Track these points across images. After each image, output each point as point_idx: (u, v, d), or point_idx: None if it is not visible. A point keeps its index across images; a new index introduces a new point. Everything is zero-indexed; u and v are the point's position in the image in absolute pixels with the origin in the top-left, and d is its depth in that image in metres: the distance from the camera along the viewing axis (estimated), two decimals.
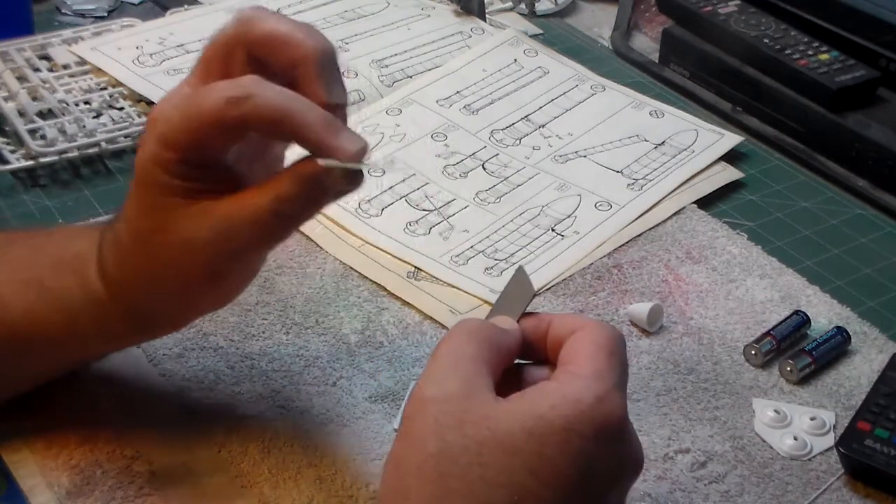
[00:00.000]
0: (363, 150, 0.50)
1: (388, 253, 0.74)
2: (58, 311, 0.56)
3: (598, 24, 1.08)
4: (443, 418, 0.45)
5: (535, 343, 0.51)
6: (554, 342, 0.50)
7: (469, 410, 0.45)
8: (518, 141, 0.86)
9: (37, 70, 0.88)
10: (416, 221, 0.77)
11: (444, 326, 0.69)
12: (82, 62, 0.89)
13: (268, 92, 0.49)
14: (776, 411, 0.64)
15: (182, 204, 0.51)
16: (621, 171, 0.83)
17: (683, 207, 0.81)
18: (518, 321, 0.51)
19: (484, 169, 0.82)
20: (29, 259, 0.58)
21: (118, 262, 0.54)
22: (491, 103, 0.90)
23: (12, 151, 0.81)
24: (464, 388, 0.46)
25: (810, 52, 0.91)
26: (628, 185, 0.82)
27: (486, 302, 0.70)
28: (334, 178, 0.50)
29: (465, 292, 0.71)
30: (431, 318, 0.69)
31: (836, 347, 0.68)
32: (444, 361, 0.47)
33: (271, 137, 0.53)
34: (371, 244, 0.74)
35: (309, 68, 0.50)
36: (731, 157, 0.87)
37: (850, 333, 0.69)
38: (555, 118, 0.89)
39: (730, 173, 0.85)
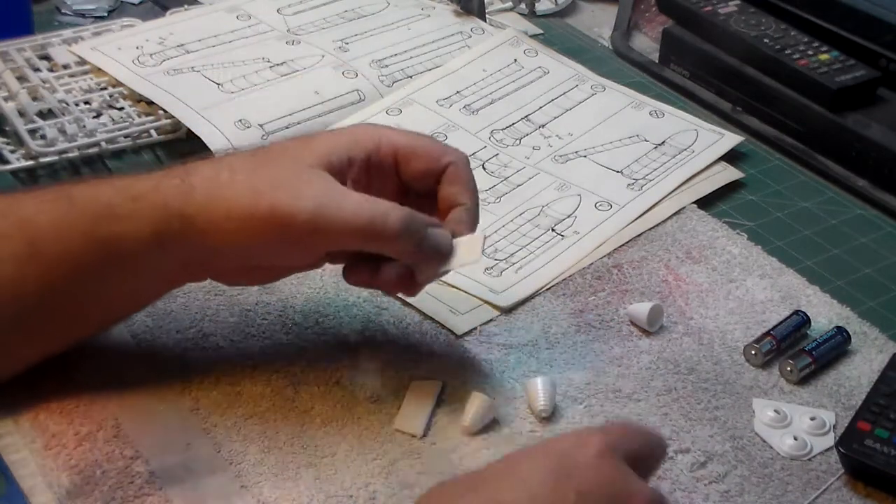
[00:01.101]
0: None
1: None
2: (84, 218, 0.58)
3: (598, 24, 1.08)
4: None
5: None
6: None
7: None
8: (518, 141, 0.86)
9: (37, 70, 0.88)
10: None
11: (443, 326, 0.69)
12: (82, 62, 0.89)
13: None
14: (776, 411, 0.64)
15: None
16: (621, 171, 0.83)
17: (683, 207, 0.81)
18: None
19: (484, 169, 0.82)
20: (56, 189, 0.61)
21: (207, 168, 0.59)
22: (491, 103, 0.90)
23: (12, 151, 0.81)
24: None
25: (810, 52, 0.91)
26: (628, 185, 0.82)
27: (487, 302, 0.71)
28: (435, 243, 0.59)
29: (465, 292, 0.71)
30: (431, 318, 0.69)
31: (836, 347, 0.68)
32: None
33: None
34: None
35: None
36: (731, 157, 0.87)
37: (850, 333, 0.69)
38: (555, 118, 0.89)
39: (730, 173, 0.85)
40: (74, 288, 0.59)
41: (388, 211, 0.58)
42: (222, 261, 0.60)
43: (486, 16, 1.02)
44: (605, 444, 0.48)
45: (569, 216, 0.79)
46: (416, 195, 0.63)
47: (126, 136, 0.83)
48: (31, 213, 0.59)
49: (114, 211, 0.58)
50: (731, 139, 0.88)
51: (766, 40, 0.93)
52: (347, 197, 0.58)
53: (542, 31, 1.04)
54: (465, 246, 0.61)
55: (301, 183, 0.57)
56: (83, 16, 1.00)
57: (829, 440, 0.62)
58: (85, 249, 0.58)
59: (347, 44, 0.94)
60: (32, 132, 0.81)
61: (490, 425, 0.62)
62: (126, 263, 0.59)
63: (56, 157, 0.80)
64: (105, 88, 0.87)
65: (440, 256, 0.60)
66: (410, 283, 0.62)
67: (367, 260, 0.61)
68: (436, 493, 0.49)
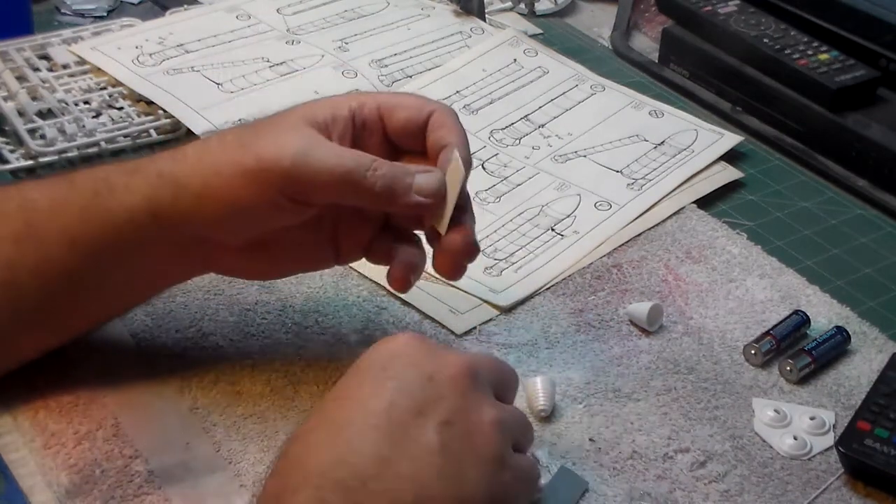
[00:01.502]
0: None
1: None
2: (82, 196, 0.58)
3: (598, 24, 1.08)
4: None
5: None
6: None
7: None
8: (518, 141, 0.86)
9: (36, 70, 0.88)
10: None
11: (443, 326, 0.69)
12: (82, 62, 0.89)
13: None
14: (776, 411, 0.64)
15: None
16: (621, 171, 0.83)
17: (683, 207, 0.81)
18: None
19: (483, 169, 0.82)
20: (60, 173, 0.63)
21: (194, 149, 0.59)
22: (491, 103, 0.90)
23: (12, 151, 0.81)
24: None
25: (810, 52, 0.91)
26: (628, 184, 0.82)
27: (486, 301, 0.70)
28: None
29: (465, 292, 0.71)
30: (431, 318, 0.69)
31: (836, 347, 0.68)
32: None
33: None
34: None
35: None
36: (731, 156, 0.87)
37: (850, 333, 0.69)
38: (554, 118, 0.89)
39: (730, 173, 0.85)
40: (71, 267, 0.58)
41: (370, 162, 0.58)
42: (216, 232, 0.59)
43: (486, 16, 1.02)
44: (404, 340, 0.52)
45: (568, 216, 0.79)
46: (406, 153, 0.63)
47: (125, 136, 0.83)
48: (33, 195, 0.60)
49: (110, 185, 0.59)
50: (730, 139, 0.88)
51: (766, 40, 0.93)
52: (331, 146, 0.58)
53: (541, 31, 1.04)
54: (450, 171, 0.60)
55: (285, 134, 0.58)
56: (83, 16, 1.00)
57: (829, 440, 0.62)
58: (82, 226, 0.58)
59: (347, 44, 0.94)
60: (32, 132, 0.81)
61: None
62: (121, 239, 0.58)
63: (55, 157, 0.80)
64: (105, 88, 0.87)
65: (436, 197, 0.59)
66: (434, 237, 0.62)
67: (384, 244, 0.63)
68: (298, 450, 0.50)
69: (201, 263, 0.62)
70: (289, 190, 0.57)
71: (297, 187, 0.57)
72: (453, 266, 0.61)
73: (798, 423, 0.63)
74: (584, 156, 0.85)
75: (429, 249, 0.63)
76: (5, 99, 0.84)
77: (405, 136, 0.62)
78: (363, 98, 0.62)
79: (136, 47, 0.91)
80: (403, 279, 0.62)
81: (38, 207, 0.59)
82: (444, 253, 0.61)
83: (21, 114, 0.82)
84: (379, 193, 0.58)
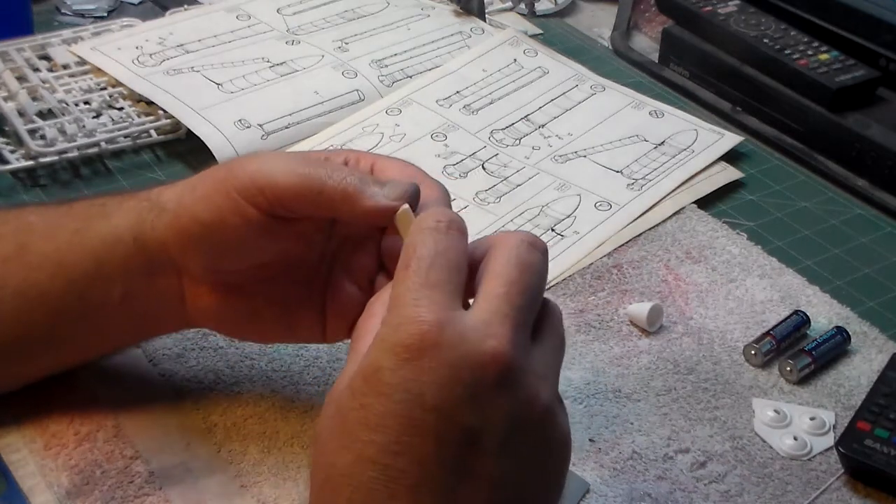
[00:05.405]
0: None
1: None
2: (76, 219, 0.58)
3: (598, 24, 1.08)
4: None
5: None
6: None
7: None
8: (518, 141, 0.86)
9: (36, 70, 0.88)
10: None
11: None
12: (82, 62, 0.89)
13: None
14: (776, 411, 0.64)
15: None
16: (621, 171, 0.83)
17: (683, 207, 0.81)
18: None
19: (484, 169, 0.82)
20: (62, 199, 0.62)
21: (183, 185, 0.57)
22: (491, 103, 0.90)
23: (12, 151, 0.81)
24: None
25: (810, 52, 0.91)
26: (628, 184, 0.82)
27: None
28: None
29: None
30: None
31: (836, 347, 0.68)
32: None
33: None
34: None
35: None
36: (731, 157, 0.87)
37: (850, 333, 0.69)
38: (555, 118, 0.89)
39: (730, 173, 0.85)
40: (53, 292, 0.57)
41: (340, 166, 0.55)
42: (190, 258, 0.56)
43: (486, 16, 1.02)
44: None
45: (568, 216, 0.79)
46: None
47: (126, 136, 0.83)
48: (31, 219, 0.59)
49: (106, 209, 0.58)
50: (730, 139, 0.88)
51: (766, 40, 0.93)
52: (305, 156, 0.57)
53: (541, 31, 1.04)
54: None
55: (265, 154, 0.58)
56: (83, 16, 1.00)
57: (829, 440, 0.62)
58: (70, 250, 0.57)
59: (347, 44, 0.94)
60: (32, 132, 0.81)
61: None
62: (104, 265, 0.57)
63: (56, 157, 0.80)
64: (105, 88, 0.87)
65: (402, 199, 0.53)
66: None
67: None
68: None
69: (178, 302, 0.59)
70: (253, 195, 0.54)
71: (261, 191, 0.54)
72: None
73: (798, 424, 0.63)
74: (585, 156, 0.85)
75: None
76: (5, 99, 0.84)
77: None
78: (360, 154, 0.58)
79: (137, 47, 0.91)
80: None
81: (34, 230, 0.58)
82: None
83: (21, 114, 0.82)
84: (343, 191, 0.53)
